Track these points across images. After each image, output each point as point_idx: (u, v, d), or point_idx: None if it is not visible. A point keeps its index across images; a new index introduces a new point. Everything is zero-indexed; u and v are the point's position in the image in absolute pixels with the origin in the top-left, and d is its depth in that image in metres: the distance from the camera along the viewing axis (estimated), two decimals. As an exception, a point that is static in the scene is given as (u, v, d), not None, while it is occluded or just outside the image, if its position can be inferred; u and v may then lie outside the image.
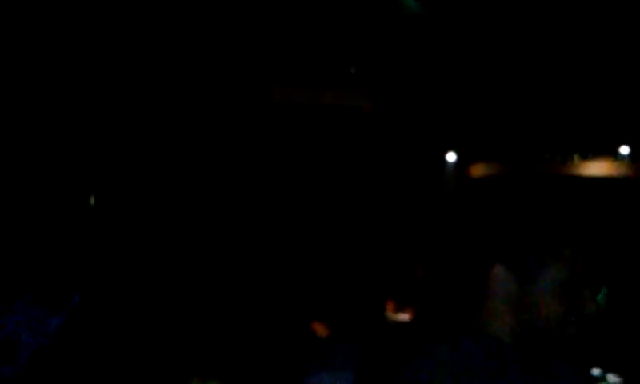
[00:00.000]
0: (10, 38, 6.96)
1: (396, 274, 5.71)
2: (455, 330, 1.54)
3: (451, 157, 9.61)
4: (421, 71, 8.57)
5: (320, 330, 4.24)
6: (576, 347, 1.47)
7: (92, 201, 7.75)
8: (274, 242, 7.34)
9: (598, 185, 9.48)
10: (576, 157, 9.68)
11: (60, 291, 3.51)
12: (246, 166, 8.40)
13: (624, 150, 9.65)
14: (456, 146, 9.56)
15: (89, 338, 3.17)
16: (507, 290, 1.46)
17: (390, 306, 4.91)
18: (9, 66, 7.12)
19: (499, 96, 9.09)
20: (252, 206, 8.19)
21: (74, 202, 7.57)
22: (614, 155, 9.76)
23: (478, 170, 9.63)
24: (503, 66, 8.72)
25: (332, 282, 4.78)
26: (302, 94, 8.55)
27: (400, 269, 5.83)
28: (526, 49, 8.52)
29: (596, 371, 2.96)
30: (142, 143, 8.16)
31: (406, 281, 5.72)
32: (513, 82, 8.92)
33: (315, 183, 8.54)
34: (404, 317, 4.96)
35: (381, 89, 8.83)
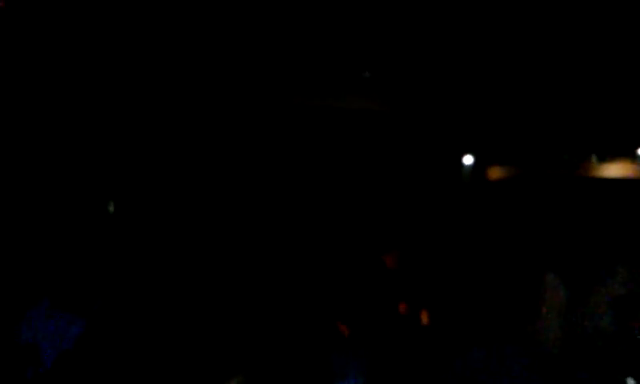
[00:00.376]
0: (21, 40, 6.99)
1: (413, 277, 5.67)
2: (497, 336, 1.51)
3: (468, 160, 9.55)
4: (437, 74, 8.53)
5: (344, 330, 4.21)
6: (624, 364, 1.45)
7: (111, 208, 7.76)
8: (289, 245, 7.33)
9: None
10: (594, 158, 9.59)
11: (80, 298, 3.52)
12: (264, 171, 8.40)
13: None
14: (473, 149, 9.51)
15: (110, 344, 3.16)
16: (559, 299, 1.46)
17: (402, 307, 4.86)
18: (22, 70, 7.16)
19: (516, 98, 9.02)
20: (268, 209, 8.18)
21: (93, 209, 7.60)
22: (632, 156, 9.68)
23: (495, 173, 9.58)
24: (521, 67, 8.66)
25: (347, 286, 4.74)
26: (316, 99, 8.53)
27: (417, 271, 5.80)
28: (544, 51, 8.46)
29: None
30: (159, 149, 8.17)
31: (424, 283, 5.68)
32: (530, 83, 8.86)
33: (330, 187, 8.53)
34: (424, 320, 4.93)
35: (396, 92, 8.80)
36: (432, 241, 7.92)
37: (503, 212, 9.26)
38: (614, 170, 9.60)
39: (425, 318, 4.81)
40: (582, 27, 8.10)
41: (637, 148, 9.55)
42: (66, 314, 3.47)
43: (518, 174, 9.37)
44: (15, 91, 7.20)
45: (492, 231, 8.65)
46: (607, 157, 9.54)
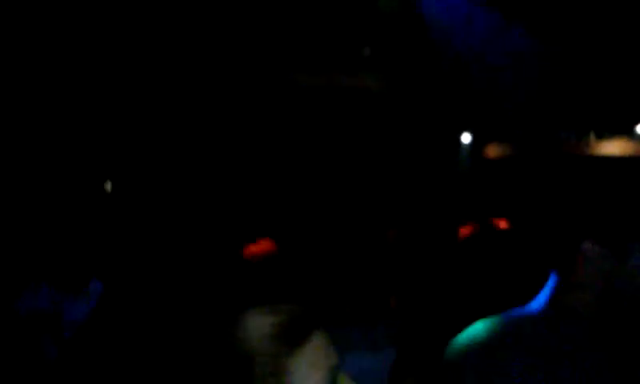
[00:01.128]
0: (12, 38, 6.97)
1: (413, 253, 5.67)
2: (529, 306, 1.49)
3: (466, 138, 9.55)
4: (434, 53, 8.51)
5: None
6: None
7: (108, 187, 7.74)
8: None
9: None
10: (592, 136, 9.60)
11: (75, 277, 3.53)
12: (260, 150, 8.39)
13: (640, 128, 9.58)
14: (471, 127, 9.51)
15: (120, 324, 3.16)
16: (599, 267, 1.45)
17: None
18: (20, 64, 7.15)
19: (514, 76, 9.02)
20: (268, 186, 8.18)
21: (88, 189, 7.58)
22: (630, 134, 9.69)
23: (493, 151, 9.58)
24: (516, 46, 8.64)
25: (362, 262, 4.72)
26: (314, 77, 8.51)
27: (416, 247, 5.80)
28: (542, 28, 8.44)
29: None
30: (153, 127, 8.15)
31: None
32: (527, 61, 8.85)
33: (329, 166, 8.53)
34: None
35: (394, 71, 8.77)
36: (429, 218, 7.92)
37: (504, 188, 9.29)
38: (612, 147, 9.62)
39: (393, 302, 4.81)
40: (577, 3, 8.08)
41: (635, 125, 9.56)
42: (61, 292, 3.53)
43: (516, 153, 9.38)
44: (14, 88, 7.20)
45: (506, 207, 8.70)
46: (605, 134, 9.55)
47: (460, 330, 1.54)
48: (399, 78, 8.68)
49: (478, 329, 1.50)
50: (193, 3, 7.53)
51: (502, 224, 6.40)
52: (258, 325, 1.38)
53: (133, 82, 7.84)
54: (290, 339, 1.37)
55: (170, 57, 7.79)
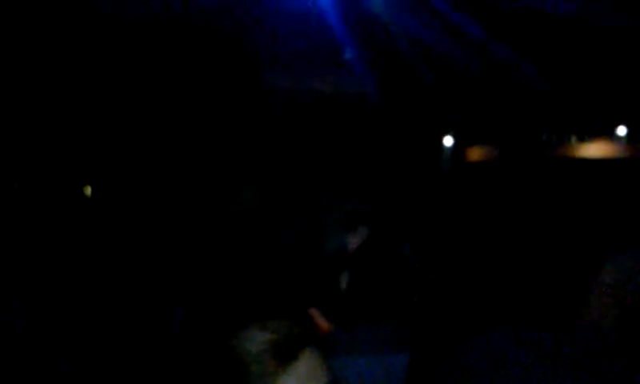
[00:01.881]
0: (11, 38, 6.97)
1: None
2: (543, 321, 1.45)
3: (448, 141, 9.58)
4: (416, 57, 8.53)
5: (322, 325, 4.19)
6: None
7: (88, 191, 7.71)
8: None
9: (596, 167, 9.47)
10: (573, 138, 9.66)
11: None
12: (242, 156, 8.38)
13: (621, 130, 9.65)
14: (453, 131, 9.55)
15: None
16: (614, 282, 1.41)
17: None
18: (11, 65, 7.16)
19: (494, 81, 9.06)
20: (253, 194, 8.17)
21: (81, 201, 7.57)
22: (611, 136, 9.75)
23: (475, 154, 9.63)
24: (498, 50, 8.68)
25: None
26: (296, 81, 8.52)
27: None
28: (521, 32, 8.48)
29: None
30: (151, 136, 8.18)
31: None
32: (509, 65, 8.88)
33: (312, 170, 8.54)
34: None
35: (377, 75, 8.79)
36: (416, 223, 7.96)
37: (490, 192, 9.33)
38: (594, 149, 9.68)
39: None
40: (558, 8, 8.11)
41: (616, 127, 9.62)
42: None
43: (498, 155, 9.43)
44: (13, 89, 7.16)
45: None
46: (586, 137, 9.60)
47: (473, 334, 1.50)
48: (381, 82, 8.71)
49: (492, 337, 1.46)
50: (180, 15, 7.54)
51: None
52: (253, 341, 1.40)
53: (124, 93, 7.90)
54: (284, 356, 1.38)
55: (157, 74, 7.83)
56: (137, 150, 8.21)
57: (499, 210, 9.05)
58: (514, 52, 8.70)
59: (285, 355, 1.38)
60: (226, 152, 8.41)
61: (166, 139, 8.22)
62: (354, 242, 4.60)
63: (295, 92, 8.56)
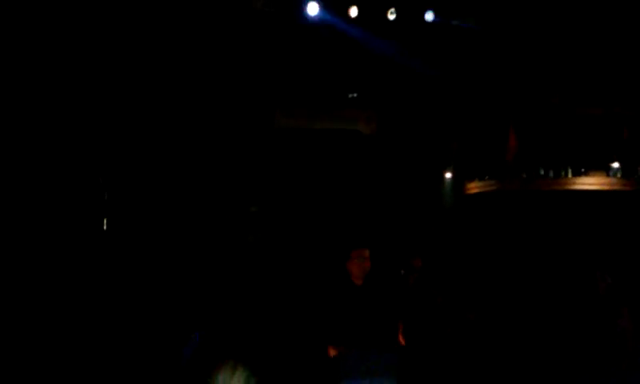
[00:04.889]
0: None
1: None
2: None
3: (449, 175, 9.91)
4: (417, 94, 8.84)
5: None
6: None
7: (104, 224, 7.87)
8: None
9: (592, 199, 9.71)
10: (569, 172, 9.91)
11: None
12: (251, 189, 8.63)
13: (615, 165, 9.90)
14: (453, 164, 9.84)
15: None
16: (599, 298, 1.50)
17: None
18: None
19: (491, 115, 9.37)
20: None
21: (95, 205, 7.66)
22: (607, 170, 9.97)
23: (473, 187, 9.91)
24: (493, 84, 8.98)
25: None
26: (301, 119, 8.77)
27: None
28: (516, 67, 8.78)
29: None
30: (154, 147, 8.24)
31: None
32: (503, 100, 9.21)
33: (317, 204, 8.79)
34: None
35: (381, 113, 9.09)
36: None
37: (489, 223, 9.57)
38: (589, 183, 9.91)
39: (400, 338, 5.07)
40: (552, 38, 8.38)
41: (611, 162, 9.88)
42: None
43: (496, 188, 9.70)
44: (15, 90, 7.26)
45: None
46: (582, 170, 9.86)
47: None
48: (386, 121, 8.97)
49: None
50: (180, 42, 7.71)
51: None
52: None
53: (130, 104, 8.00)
54: None
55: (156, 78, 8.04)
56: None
57: (497, 239, 9.34)
58: (511, 87, 9.02)
59: None
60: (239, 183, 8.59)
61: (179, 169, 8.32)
62: (360, 273, 4.86)
63: (300, 131, 8.82)
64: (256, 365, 1.64)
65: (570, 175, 9.83)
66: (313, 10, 7.54)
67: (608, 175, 9.92)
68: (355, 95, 8.39)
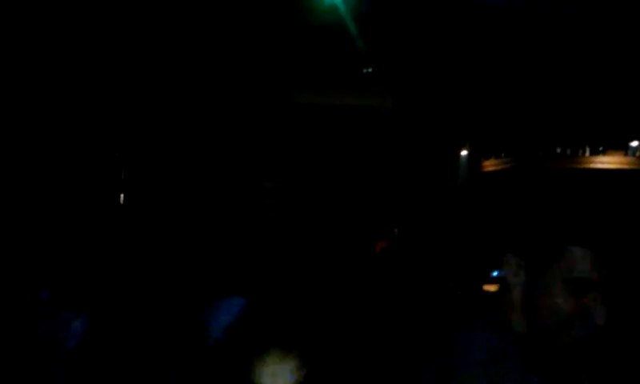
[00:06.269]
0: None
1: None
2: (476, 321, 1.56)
3: (465, 152, 9.86)
4: (434, 71, 8.78)
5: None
6: (581, 351, 1.45)
7: (121, 201, 7.95)
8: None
9: (609, 178, 9.64)
10: (587, 150, 9.84)
11: (81, 294, 3.48)
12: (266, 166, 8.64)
13: (634, 144, 9.81)
14: (469, 142, 9.79)
15: (116, 342, 3.24)
16: (520, 281, 1.48)
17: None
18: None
19: (510, 93, 9.29)
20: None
21: (101, 204, 7.73)
22: (625, 149, 9.89)
23: (490, 165, 9.86)
24: (513, 63, 8.89)
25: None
26: (316, 95, 8.75)
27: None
28: (536, 45, 8.69)
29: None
30: (163, 146, 8.35)
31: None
32: (523, 78, 9.11)
33: (332, 182, 8.79)
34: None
35: (397, 89, 9.04)
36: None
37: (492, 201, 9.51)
38: (606, 161, 9.84)
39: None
40: (573, 24, 8.30)
41: (629, 141, 9.80)
42: (66, 308, 3.46)
43: (511, 166, 9.64)
44: (17, 90, 7.32)
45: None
46: (600, 149, 9.79)
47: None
48: (402, 97, 8.93)
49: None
50: (194, 20, 7.70)
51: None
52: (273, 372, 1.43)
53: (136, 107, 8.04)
54: None
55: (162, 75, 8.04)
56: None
57: (512, 217, 9.27)
58: (531, 65, 8.93)
59: None
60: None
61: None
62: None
63: (316, 106, 8.79)
64: (307, 353, 1.50)
65: (587, 154, 9.77)
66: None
67: (626, 154, 9.82)
68: (370, 70, 8.34)
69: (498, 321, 1.51)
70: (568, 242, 1.43)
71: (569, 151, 9.72)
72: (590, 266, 1.41)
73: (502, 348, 1.45)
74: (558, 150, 9.63)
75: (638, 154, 9.78)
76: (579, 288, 1.41)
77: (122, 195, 8.05)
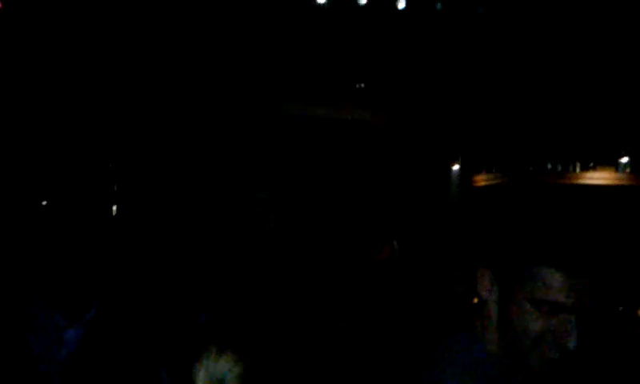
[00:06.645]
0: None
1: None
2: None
3: (456, 167, 9.89)
4: (425, 86, 8.82)
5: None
6: (553, 374, 1.42)
7: (114, 210, 7.93)
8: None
9: (598, 194, 9.68)
10: (577, 166, 9.88)
11: (76, 301, 3.36)
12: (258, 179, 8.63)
13: (624, 160, 9.86)
14: (460, 157, 9.83)
15: (110, 351, 3.16)
16: (493, 298, 1.50)
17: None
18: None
19: (501, 108, 9.34)
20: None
21: (95, 210, 7.70)
22: (616, 165, 9.93)
23: (481, 180, 9.88)
24: (504, 78, 8.95)
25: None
26: (308, 109, 8.75)
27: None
28: (527, 61, 8.75)
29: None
30: (157, 152, 8.34)
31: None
32: (514, 94, 9.17)
33: (324, 195, 8.79)
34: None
35: (389, 103, 9.07)
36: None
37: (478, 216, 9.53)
38: (597, 177, 9.87)
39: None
40: (563, 39, 8.36)
41: (619, 157, 9.84)
42: (60, 315, 3.35)
43: (503, 182, 9.67)
44: (15, 91, 7.27)
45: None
46: (590, 165, 9.82)
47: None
48: (393, 110, 8.96)
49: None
50: (185, 32, 7.71)
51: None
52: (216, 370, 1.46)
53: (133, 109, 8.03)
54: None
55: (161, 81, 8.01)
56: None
57: (504, 233, 9.28)
58: (523, 81, 8.99)
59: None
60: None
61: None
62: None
63: (306, 119, 8.80)
64: (245, 349, 1.56)
65: (578, 170, 9.80)
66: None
67: (617, 170, 9.86)
68: (363, 85, 8.37)
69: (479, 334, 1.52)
70: (539, 263, 1.41)
71: (559, 167, 9.75)
72: (559, 289, 1.39)
73: (484, 359, 1.46)
74: (549, 166, 9.66)
75: (627, 170, 9.82)
76: (548, 309, 1.39)
77: (114, 206, 8.00)
